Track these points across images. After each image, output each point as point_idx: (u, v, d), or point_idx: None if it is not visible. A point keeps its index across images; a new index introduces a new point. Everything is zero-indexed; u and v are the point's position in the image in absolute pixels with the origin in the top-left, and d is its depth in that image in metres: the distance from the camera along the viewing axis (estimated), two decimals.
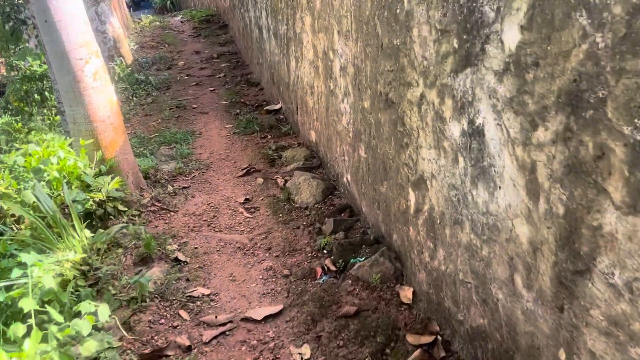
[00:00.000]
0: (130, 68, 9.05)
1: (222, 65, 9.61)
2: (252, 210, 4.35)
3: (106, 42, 9.14)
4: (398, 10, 2.68)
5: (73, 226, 3.67)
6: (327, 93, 4.32)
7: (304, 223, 3.95)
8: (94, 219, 4.10)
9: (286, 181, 4.61)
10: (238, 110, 6.96)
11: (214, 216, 4.32)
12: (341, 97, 3.92)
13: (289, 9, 5.47)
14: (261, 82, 7.99)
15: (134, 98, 7.93)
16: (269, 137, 5.88)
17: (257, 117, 6.51)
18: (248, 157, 5.43)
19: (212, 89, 8.24)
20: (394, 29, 2.76)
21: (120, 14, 12.22)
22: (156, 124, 6.71)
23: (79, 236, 3.65)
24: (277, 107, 6.66)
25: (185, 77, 9.08)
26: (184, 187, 4.87)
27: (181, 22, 14.77)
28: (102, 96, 4.34)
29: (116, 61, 8.61)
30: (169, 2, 19.73)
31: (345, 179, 4.11)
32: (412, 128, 2.68)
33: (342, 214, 3.86)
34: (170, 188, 4.84)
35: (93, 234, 3.71)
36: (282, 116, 6.43)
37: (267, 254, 3.67)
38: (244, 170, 5.06)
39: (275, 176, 4.84)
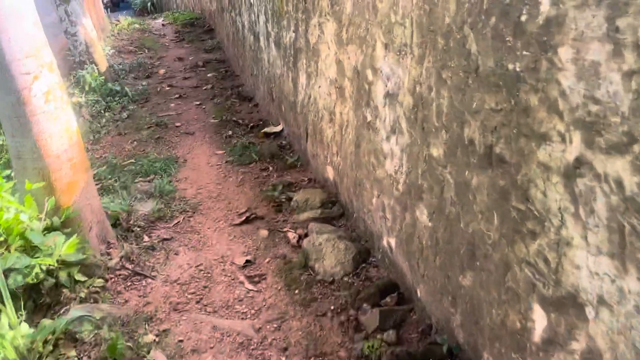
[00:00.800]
0: (103, 77, 7.88)
1: (209, 75, 8.49)
2: (257, 279, 3.26)
3: (77, 46, 7.97)
4: (525, 18, 1.64)
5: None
6: (359, 124, 3.27)
7: (332, 307, 2.86)
8: (42, 294, 2.98)
9: (300, 237, 3.53)
10: (230, 132, 5.85)
11: (205, 287, 3.22)
12: (385, 134, 2.87)
13: (299, 13, 4.42)
14: (255, 96, 6.91)
15: (107, 112, 6.78)
16: (271, 169, 4.80)
17: (253, 142, 5.42)
18: (246, 196, 4.34)
19: (198, 102, 7.13)
20: (512, 46, 1.72)
21: (95, 14, 11.03)
22: (132, 147, 5.57)
23: (10, 328, 2.54)
24: (278, 129, 5.58)
25: (167, 88, 7.94)
26: (165, 239, 3.76)
27: (162, 25, 13.60)
28: (56, 123, 3.22)
29: (87, 69, 7.43)
30: (149, 4, 18.52)
31: (385, 243, 3.05)
32: (548, 210, 1.64)
33: (387, 297, 2.80)
34: (146, 240, 3.73)
35: (34, 329, 2.59)
36: (284, 142, 5.35)
37: (284, 359, 2.59)
38: (243, 217, 3.97)
39: (285, 228, 3.76)
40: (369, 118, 3.07)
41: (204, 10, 13.11)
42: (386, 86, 2.79)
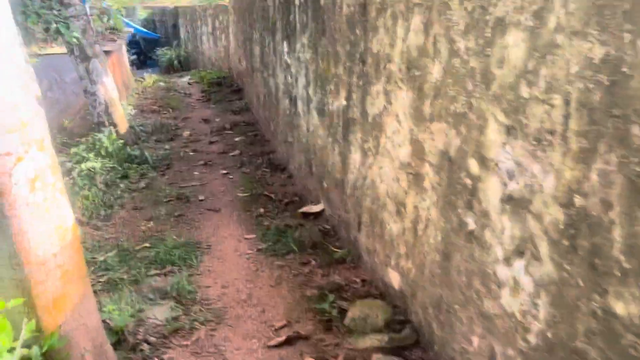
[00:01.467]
0: (123, 139, 7.23)
1: (237, 140, 7.80)
2: None
3: (96, 105, 7.37)
4: None
5: None
6: (450, 229, 2.41)
7: None
8: None
9: None
10: (261, 209, 5.04)
11: None
12: (502, 254, 2.00)
13: (353, 78, 3.67)
14: (289, 165, 6.15)
15: (124, 181, 6.05)
16: (314, 263, 3.93)
17: (289, 224, 4.58)
18: (284, 301, 3.45)
19: (225, 171, 6.38)
20: None
21: (119, 71, 10.59)
22: (147, 227, 4.77)
23: None
24: (318, 209, 4.76)
25: (191, 153, 7.24)
26: None
27: (189, 83, 13.17)
28: (45, 219, 2.42)
29: (104, 132, 6.78)
30: (176, 62, 18.32)
31: None
32: None
33: None
34: None
35: None
36: (327, 226, 4.50)
37: None
38: (281, 335, 3.07)
39: (339, 356, 2.84)
40: (471, 226, 2.21)
41: (232, 69, 12.67)
42: (506, 186, 1.95)
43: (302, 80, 5.28)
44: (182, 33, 19.14)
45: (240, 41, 10.55)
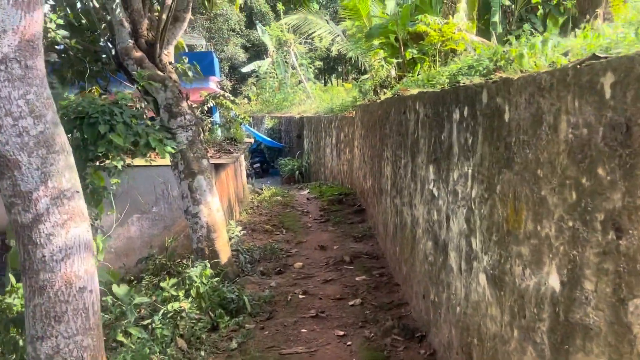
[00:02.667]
0: (222, 271, 5.99)
1: (358, 279, 6.23)
2: None
3: (197, 229, 6.28)
4: None
5: None
6: None
7: None
8: None
9: None
10: None
11: None
12: None
13: (587, 250, 2.01)
14: (431, 335, 4.41)
15: (212, 336, 4.66)
16: None
17: None
18: None
19: (342, 332, 4.77)
20: None
21: (234, 184, 9.73)
22: None
23: None
24: None
25: (301, 297, 5.75)
26: None
27: (307, 199, 12.09)
28: None
29: (197, 266, 5.55)
30: (297, 172, 17.66)
31: None
32: None
33: None
34: None
35: None
36: None
37: None
38: None
39: None
40: None
41: (354, 186, 11.44)
42: None
43: (458, 224, 3.69)
44: (306, 143, 18.68)
45: (367, 157, 9.32)
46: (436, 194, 4.35)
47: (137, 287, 6.66)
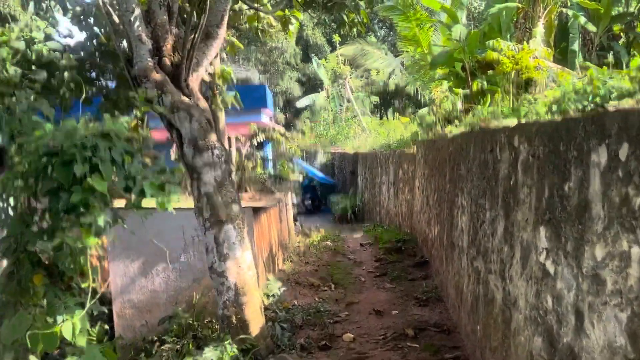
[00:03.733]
0: (252, 347, 4.71)
1: None
2: None
3: (222, 291, 5.05)
4: None
5: None
6: None
7: None
8: None
9: None
10: None
11: None
12: None
13: None
14: None
15: None
16: None
17: None
18: None
19: None
20: None
21: (275, 228, 8.51)
22: None
23: None
24: None
25: None
26: None
27: (361, 244, 10.73)
28: None
29: (217, 347, 4.27)
30: (350, 212, 16.32)
31: None
32: None
33: None
34: None
35: None
36: None
37: None
38: None
39: None
40: None
41: (415, 231, 9.99)
42: None
43: (607, 332, 2.27)
44: (360, 180, 17.36)
45: (433, 200, 7.93)
46: (552, 271, 2.93)
47: (158, 353, 5.51)
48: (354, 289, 7.42)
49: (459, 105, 9.93)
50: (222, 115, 7.52)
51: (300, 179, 21.38)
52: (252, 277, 5.22)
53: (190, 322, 6.02)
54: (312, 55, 32.52)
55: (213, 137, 5.13)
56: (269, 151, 18.06)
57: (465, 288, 5.23)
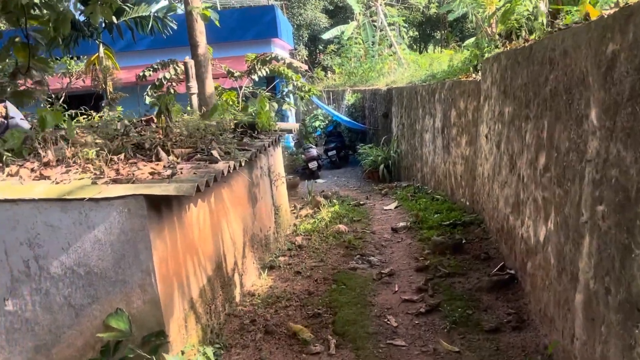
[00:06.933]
0: None
1: None
2: None
3: None
4: None
5: None
6: None
7: None
8: None
9: None
10: None
11: None
12: None
13: None
14: None
15: None
16: None
17: None
18: None
19: None
20: None
21: (240, 215, 4.74)
22: None
23: None
24: None
25: None
26: None
27: (393, 228, 6.83)
28: None
29: None
30: (382, 166, 12.37)
31: None
32: None
33: None
34: None
35: None
36: None
37: None
38: None
39: None
40: None
41: (480, 206, 6.07)
42: None
43: None
44: (394, 126, 13.22)
45: (523, 161, 4.00)
46: None
47: None
48: (375, 355, 3.63)
49: (542, 7, 6.22)
50: None
51: (303, 129, 17.32)
52: None
53: None
54: None
55: None
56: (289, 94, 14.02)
57: None
